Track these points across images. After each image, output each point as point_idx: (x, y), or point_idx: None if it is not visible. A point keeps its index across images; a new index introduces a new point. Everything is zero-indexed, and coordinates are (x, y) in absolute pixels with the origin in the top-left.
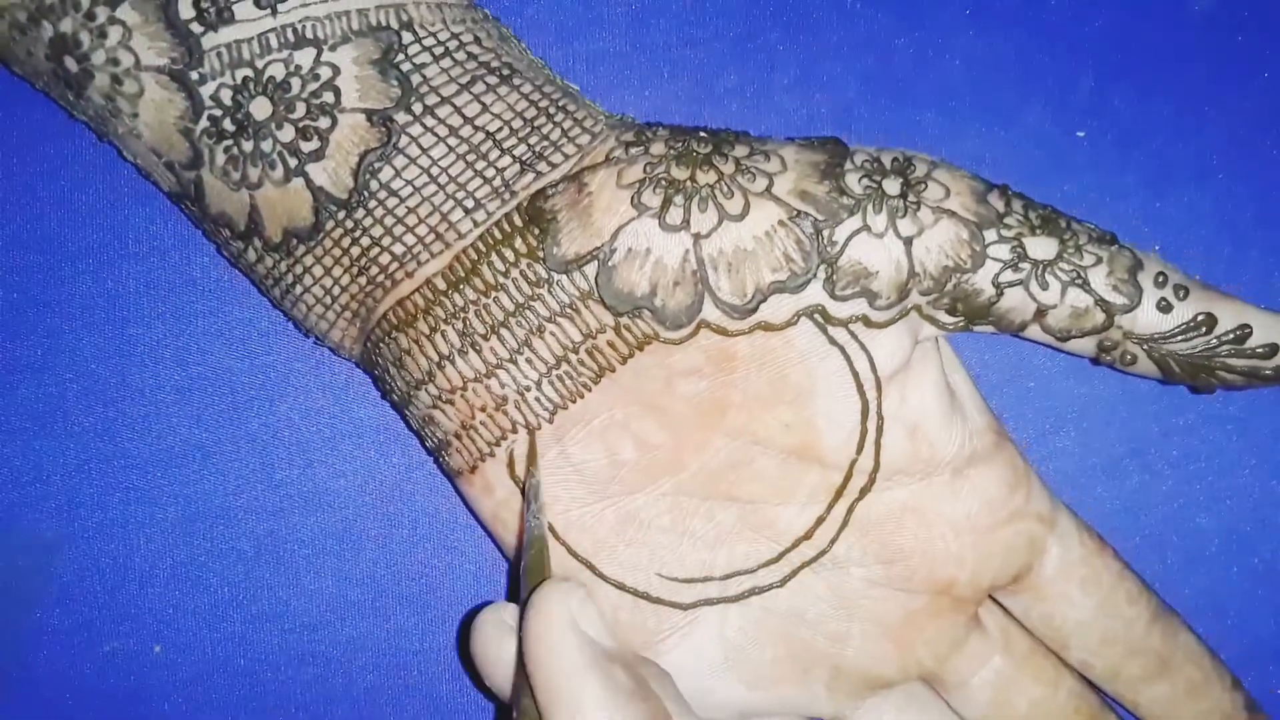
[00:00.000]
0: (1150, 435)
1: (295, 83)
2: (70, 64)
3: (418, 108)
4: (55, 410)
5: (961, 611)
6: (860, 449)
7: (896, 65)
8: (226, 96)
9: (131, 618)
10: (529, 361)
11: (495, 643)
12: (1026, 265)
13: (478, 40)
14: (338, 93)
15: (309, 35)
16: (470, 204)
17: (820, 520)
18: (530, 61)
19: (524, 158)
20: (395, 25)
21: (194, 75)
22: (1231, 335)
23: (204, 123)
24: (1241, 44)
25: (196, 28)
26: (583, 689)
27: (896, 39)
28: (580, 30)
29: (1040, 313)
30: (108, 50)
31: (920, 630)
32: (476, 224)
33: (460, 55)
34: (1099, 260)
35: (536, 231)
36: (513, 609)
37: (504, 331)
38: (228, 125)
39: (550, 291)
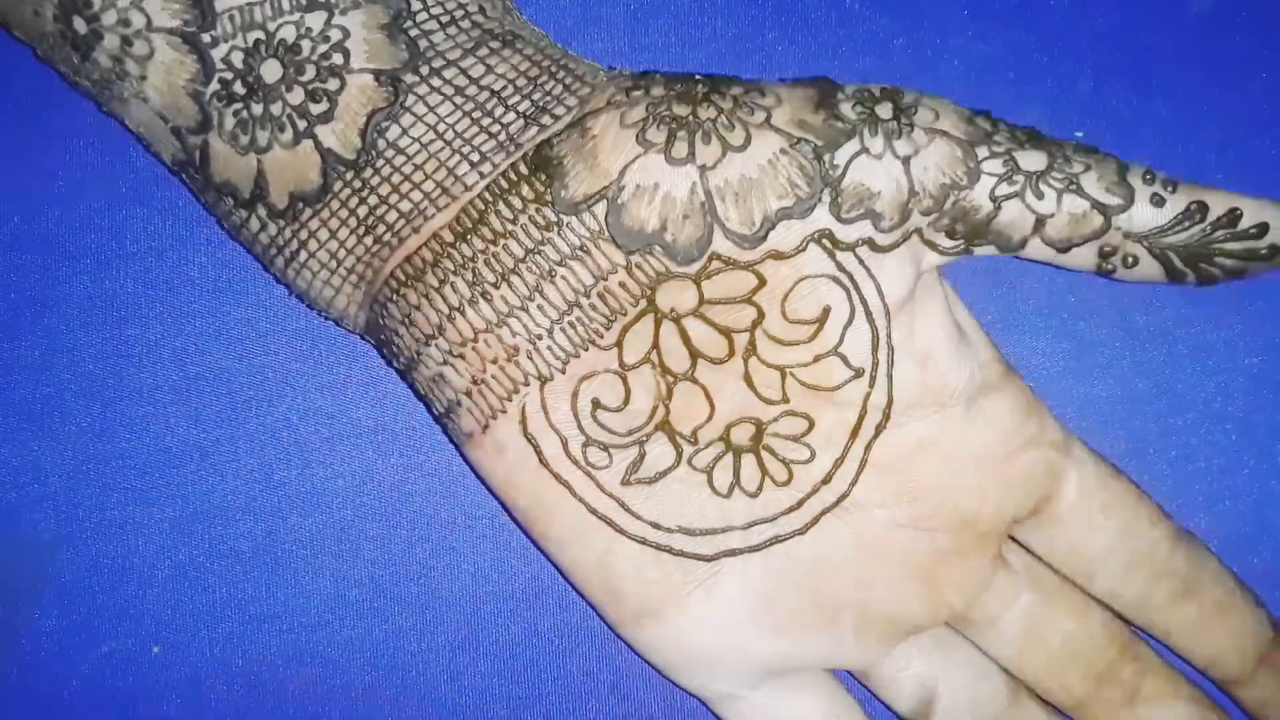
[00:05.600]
0: (1150, 435)
1: (306, 45)
2: (79, 24)
3: (424, 70)
4: (54, 410)
5: (986, 549)
6: (873, 383)
7: (896, 65)
8: (238, 59)
9: (130, 618)
10: (540, 308)
11: None
12: (1020, 177)
13: (482, 9)
14: (347, 54)
15: None
16: (476, 158)
17: (838, 463)
18: (532, 30)
19: (528, 113)
20: None
21: (206, 38)
22: (1224, 219)
23: (214, 85)
24: (1241, 44)
25: None
26: None
27: (896, 39)
28: (580, 30)
29: (1039, 224)
30: (119, 11)
31: (947, 569)
32: (483, 175)
33: (465, 24)
34: (1088, 167)
35: (543, 177)
36: None
37: (514, 278)
38: (238, 88)
39: (560, 234)
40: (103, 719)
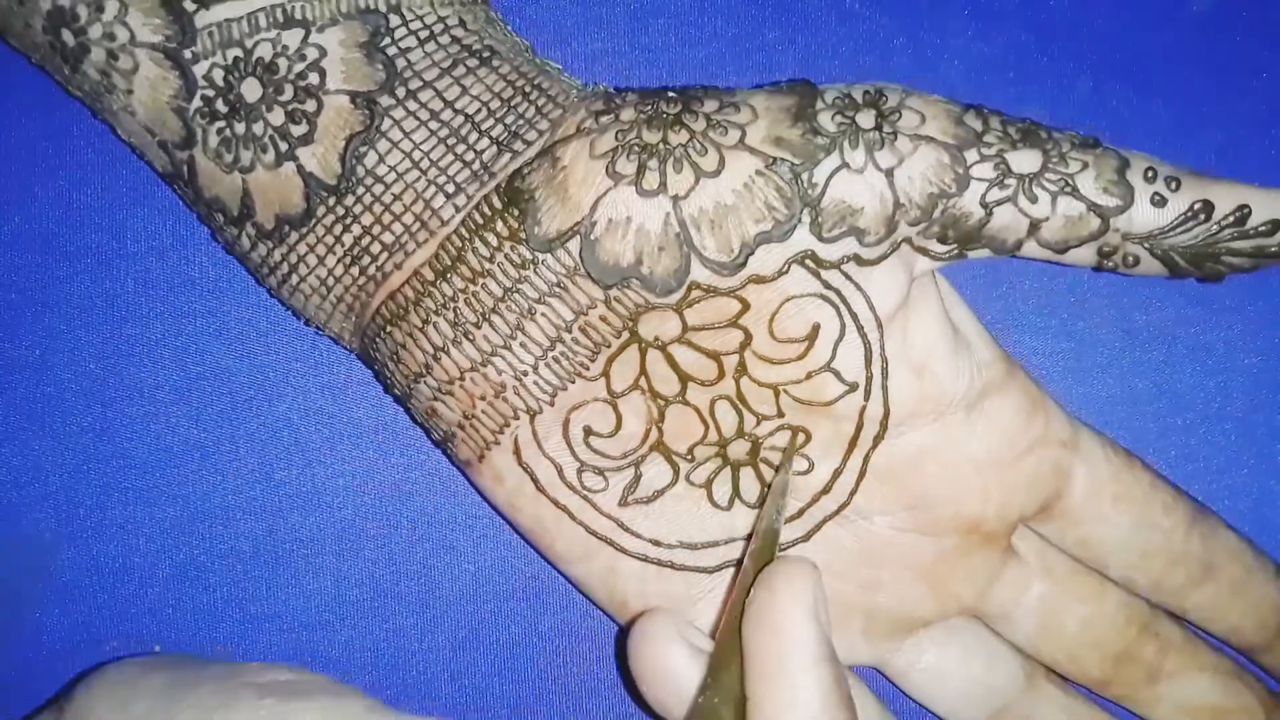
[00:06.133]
0: (1149, 435)
1: (282, 64)
2: (67, 37)
3: (401, 92)
4: (54, 410)
5: (993, 545)
6: (868, 395)
7: (896, 65)
8: (219, 77)
9: (131, 617)
10: (523, 345)
11: (665, 652)
12: (1012, 181)
13: (463, 23)
14: (323, 74)
15: (298, 16)
16: (451, 188)
17: (837, 473)
18: (514, 43)
19: (500, 138)
20: (383, 8)
21: (187, 54)
22: (1232, 218)
23: (197, 102)
24: (1241, 44)
25: (190, 5)
26: (808, 689)
27: (896, 39)
28: (580, 30)
29: (1034, 227)
30: (104, 24)
31: (953, 569)
32: (458, 209)
33: (445, 39)
34: (1085, 165)
35: (516, 212)
36: (687, 624)
37: (495, 318)
38: (220, 106)
39: (536, 272)
40: None
